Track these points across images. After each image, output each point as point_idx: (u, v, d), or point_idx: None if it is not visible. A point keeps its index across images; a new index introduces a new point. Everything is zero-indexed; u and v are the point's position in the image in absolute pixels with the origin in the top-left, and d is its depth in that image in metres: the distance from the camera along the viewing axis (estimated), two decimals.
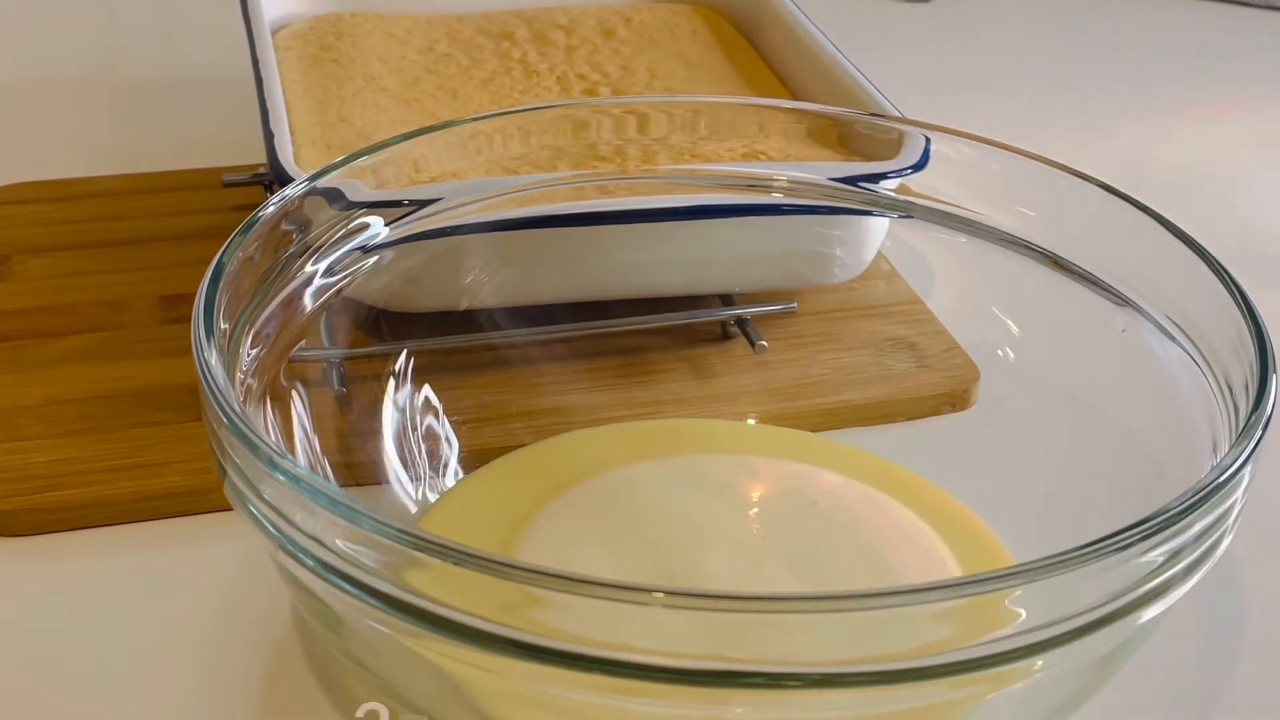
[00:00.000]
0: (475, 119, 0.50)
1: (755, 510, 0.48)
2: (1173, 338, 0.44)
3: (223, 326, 0.40)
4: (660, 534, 0.45)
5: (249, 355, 0.42)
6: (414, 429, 0.49)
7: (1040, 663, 0.33)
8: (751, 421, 0.52)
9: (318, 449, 0.45)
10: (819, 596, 0.34)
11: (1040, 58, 0.87)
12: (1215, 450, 0.40)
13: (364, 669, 0.39)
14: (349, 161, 0.46)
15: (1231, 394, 0.40)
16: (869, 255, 0.55)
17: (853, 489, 0.48)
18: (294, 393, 0.45)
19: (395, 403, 0.49)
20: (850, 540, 0.46)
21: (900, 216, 0.51)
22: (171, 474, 0.49)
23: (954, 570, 0.44)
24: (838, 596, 0.33)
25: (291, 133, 0.56)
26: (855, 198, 0.51)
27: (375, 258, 0.48)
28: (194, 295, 0.40)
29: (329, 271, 0.46)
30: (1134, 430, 0.46)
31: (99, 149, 0.70)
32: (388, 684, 0.38)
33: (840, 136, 0.53)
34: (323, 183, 0.46)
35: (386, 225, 0.48)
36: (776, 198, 0.51)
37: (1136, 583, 0.34)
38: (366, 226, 0.47)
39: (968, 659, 0.32)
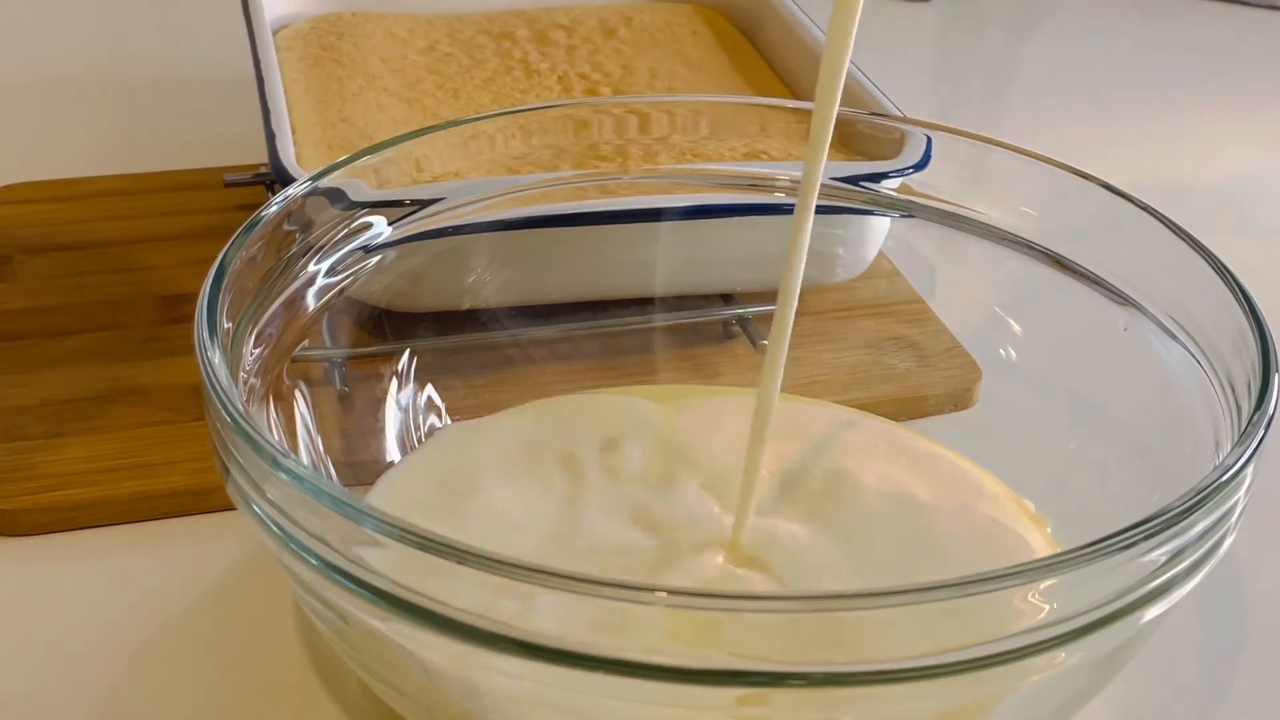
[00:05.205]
0: (477, 119, 0.50)
1: (840, 454, 0.48)
2: (1175, 337, 0.44)
3: (225, 326, 0.40)
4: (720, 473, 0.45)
5: (252, 355, 0.42)
6: (417, 428, 0.49)
7: (1041, 662, 0.33)
8: None
9: (320, 448, 0.45)
10: (815, 596, 0.34)
11: (1041, 57, 0.87)
12: (1218, 449, 0.40)
13: (367, 668, 0.39)
14: (351, 161, 0.46)
15: (1234, 393, 0.40)
16: (870, 254, 0.55)
17: (918, 441, 0.49)
18: (297, 392, 0.45)
19: (398, 402, 0.49)
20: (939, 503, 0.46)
21: (902, 216, 0.51)
22: (173, 474, 0.49)
23: (1036, 537, 0.44)
24: (837, 596, 0.33)
25: (293, 132, 0.56)
26: (857, 197, 0.51)
27: (377, 257, 0.48)
28: (195, 295, 0.40)
29: (331, 271, 0.46)
30: (1136, 430, 0.46)
31: (100, 149, 0.70)
32: (391, 683, 0.38)
33: (842, 136, 0.53)
34: (325, 182, 0.46)
35: (389, 225, 0.48)
36: (778, 197, 0.51)
37: (1139, 582, 0.34)
38: (369, 226, 0.47)
39: (970, 659, 0.32)
